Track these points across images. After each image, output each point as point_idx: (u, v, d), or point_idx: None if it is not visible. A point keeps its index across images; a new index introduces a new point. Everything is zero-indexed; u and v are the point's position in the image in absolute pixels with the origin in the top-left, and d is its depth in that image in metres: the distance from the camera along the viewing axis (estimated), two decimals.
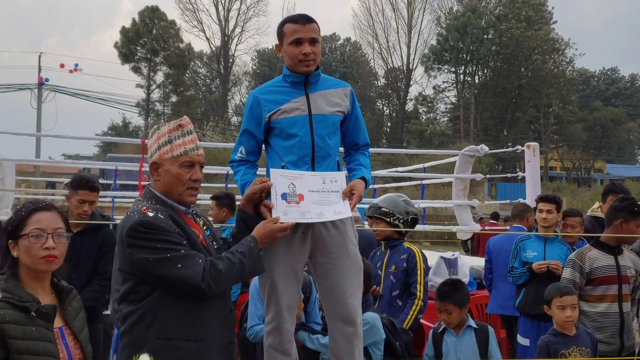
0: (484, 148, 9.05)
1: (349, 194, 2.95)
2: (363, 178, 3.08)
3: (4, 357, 2.17)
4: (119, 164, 11.24)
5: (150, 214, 2.45)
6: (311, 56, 2.96)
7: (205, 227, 2.72)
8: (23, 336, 2.19)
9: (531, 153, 7.75)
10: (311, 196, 2.86)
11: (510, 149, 9.58)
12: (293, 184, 2.85)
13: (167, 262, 2.39)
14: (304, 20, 2.99)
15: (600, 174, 54.53)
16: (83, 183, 4.25)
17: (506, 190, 38.15)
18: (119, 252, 2.54)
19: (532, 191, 7.58)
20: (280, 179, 2.85)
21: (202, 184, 2.73)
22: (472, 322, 4.26)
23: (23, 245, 2.34)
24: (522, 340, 5.04)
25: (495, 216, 14.59)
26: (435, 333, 4.32)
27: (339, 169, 3.07)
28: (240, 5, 53.76)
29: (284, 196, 2.81)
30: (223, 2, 53.28)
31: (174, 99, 52.81)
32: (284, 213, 2.77)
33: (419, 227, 11.15)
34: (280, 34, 3.04)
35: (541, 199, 5.29)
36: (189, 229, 2.56)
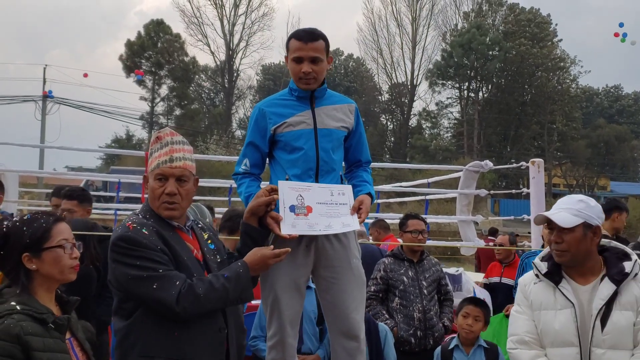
0: (489, 164, 9.03)
1: (357, 209, 2.93)
2: (369, 194, 3.07)
3: None
4: (122, 177, 11.27)
5: (133, 229, 2.41)
6: (311, 75, 2.95)
7: (209, 241, 2.67)
8: (44, 348, 2.18)
9: (536, 169, 7.72)
10: (319, 208, 2.83)
11: (514, 165, 9.52)
12: (301, 196, 2.82)
13: (144, 281, 2.34)
14: (308, 38, 2.97)
15: (604, 192, 54.40)
16: (57, 191, 4.46)
17: (509, 207, 38.13)
18: (109, 265, 2.51)
19: (536, 208, 7.53)
20: (289, 191, 2.81)
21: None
22: (482, 342, 4.25)
23: (50, 256, 2.31)
24: None
25: (493, 232, 13.90)
26: (445, 350, 4.28)
27: (342, 184, 3.06)
28: (245, 19, 54.12)
29: (292, 208, 2.78)
30: (228, 16, 53.65)
31: (177, 112, 53.01)
32: (292, 225, 2.74)
33: None
34: (287, 47, 3.05)
35: None
36: (178, 246, 2.49)
